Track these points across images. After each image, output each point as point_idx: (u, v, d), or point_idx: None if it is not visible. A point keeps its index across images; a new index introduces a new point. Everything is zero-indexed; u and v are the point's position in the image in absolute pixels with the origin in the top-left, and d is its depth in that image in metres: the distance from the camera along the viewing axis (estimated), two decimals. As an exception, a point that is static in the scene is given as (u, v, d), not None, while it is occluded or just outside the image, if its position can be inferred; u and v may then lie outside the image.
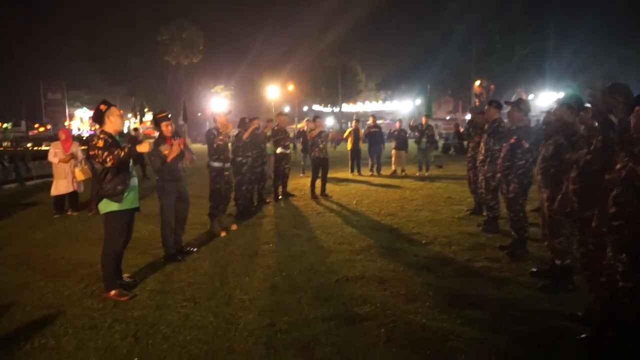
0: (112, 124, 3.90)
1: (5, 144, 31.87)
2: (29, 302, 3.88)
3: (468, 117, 32.74)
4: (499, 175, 5.07)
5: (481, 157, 5.85)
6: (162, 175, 4.86)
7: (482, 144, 5.89)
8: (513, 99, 9.47)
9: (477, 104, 35.48)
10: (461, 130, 9.19)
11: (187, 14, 42.64)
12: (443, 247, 5.21)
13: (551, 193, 3.73)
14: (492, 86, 38.36)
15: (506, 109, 5.28)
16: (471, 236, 5.63)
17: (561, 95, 14.24)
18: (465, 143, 18.10)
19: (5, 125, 52.25)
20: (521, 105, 4.98)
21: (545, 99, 28.36)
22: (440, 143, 21.19)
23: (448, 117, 55.09)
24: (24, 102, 63.63)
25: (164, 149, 4.72)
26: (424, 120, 12.99)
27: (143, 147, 3.89)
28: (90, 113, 65.92)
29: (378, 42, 46.34)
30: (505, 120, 5.66)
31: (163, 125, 4.89)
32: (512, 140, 4.80)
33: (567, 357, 2.84)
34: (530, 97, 33.39)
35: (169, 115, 4.98)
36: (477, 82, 37.65)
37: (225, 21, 48.24)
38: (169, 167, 4.83)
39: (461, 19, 32.02)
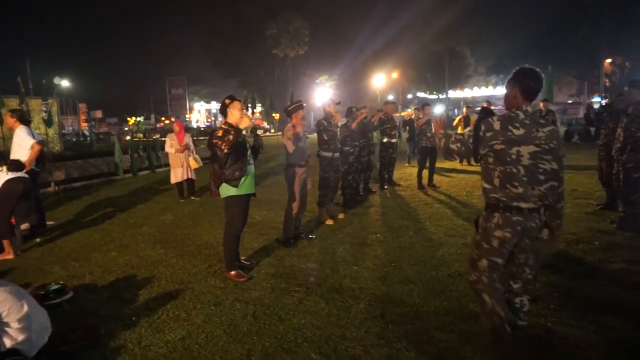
0: (233, 116, 4.20)
1: (139, 135, 36.23)
2: (164, 277, 4.34)
3: (595, 99, 29.21)
4: None
5: (619, 145, 5.16)
6: (293, 163, 5.14)
7: (619, 130, 5.19)
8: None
9: (608, 84, 31.42)
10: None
11: (294, 6, 44.08)
12: (569, 244, 4.71)
13: None
14: (627, 63, 33.61)
15: None
16: (604, 234, 5.02)
17: None
18: (592, 129, 16.23)
19: (139, 119, 59.27)
20: None
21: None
22: (562, 129, 19.22)
23: (570, 101, 49.92)
24: (152, 97, 71.52)
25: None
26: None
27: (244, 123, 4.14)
28: (207, 106, 72.28)
29: (489, 22, 43.30)
30: None
31: (295, 115, 5.19)
32: None
33: None
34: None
35: (303, 105, 5.39)
36: (609, 60, 33.23)
37: (329, 11, 48.87)
38: (301, 154, 5.14)
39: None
